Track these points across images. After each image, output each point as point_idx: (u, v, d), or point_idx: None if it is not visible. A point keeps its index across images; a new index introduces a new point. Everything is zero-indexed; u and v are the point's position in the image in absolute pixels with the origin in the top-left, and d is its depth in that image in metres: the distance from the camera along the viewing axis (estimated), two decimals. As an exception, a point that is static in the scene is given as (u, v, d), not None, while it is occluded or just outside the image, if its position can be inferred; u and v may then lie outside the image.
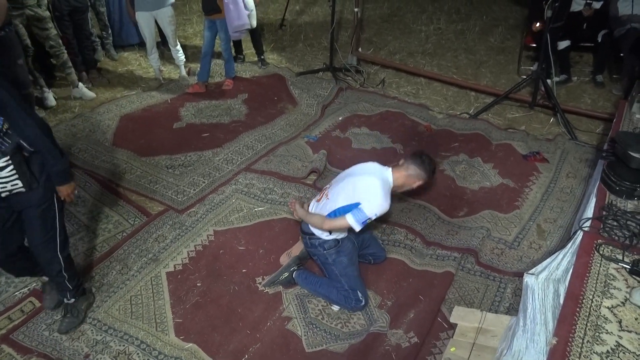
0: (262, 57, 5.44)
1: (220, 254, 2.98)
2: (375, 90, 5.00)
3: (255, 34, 5.28)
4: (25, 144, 2.08)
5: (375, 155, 3.86)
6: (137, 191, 3.50)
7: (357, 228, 2.42)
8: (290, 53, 5.89)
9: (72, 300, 2.54)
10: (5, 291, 2.73)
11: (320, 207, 2.61)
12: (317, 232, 2.59)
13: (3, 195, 2.09)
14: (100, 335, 2.49)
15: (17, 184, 2.08)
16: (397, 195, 3.42)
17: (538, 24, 4.50)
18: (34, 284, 2.77)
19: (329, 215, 2.53)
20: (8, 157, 2.02)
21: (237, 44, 5.56)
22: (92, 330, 2.51)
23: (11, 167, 2.04)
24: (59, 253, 2.35)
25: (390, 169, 2.56)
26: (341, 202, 2.49)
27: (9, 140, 2.01)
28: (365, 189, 2.45)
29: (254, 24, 4.89)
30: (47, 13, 4.31)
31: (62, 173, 2.19)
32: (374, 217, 2.42)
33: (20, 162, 2.06)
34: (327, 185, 2.69)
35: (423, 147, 4.00)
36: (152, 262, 2.91)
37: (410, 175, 2.53)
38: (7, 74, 2.17)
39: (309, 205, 2.69)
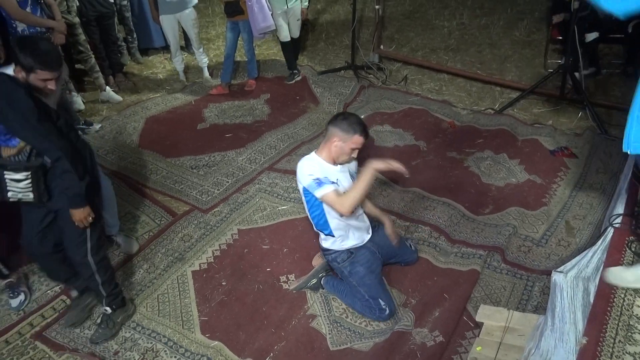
0: (296, 70, 5.16)
1: (244, 253, 3.01)
2: (397, 87, 4.96)
3: (297, 43, 5.21)
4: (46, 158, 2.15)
5: (398, 152, 3.83)
6: (163, 191, 3.57)
7: (326, 189, 2.32)
8: (312, 52, 5.89)
9: (109, 310, 2.50)
10: (38, 289, 2.82)
11: None
12: (327, 244, 2.60)
13: (11, 200, 2.17)
14: (129, 332, 2.55)
15: (28, 195, 2.15)
16: (420, 194, 3.39)
17: (557, 15, 4.41)
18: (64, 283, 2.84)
19: (317, 228, 2.58)
20: (29, 173, 2.11)
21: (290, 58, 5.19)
22: (121, 328, 2.57)
23: (29, 181, 2.12)
24: (89, 257, 2.35)
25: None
26: (307, 210, 2.56)
27: (35, 159, 2.13)
28: (297, 179, 2.46)
29: (297, 33, 4.94)
30: (77, 19, 4.42)
31: (75, 197, 2.19)
32: (313, 177, 2.34)
33: (39, 179, 2.14)
34: None
35: (447, 143, 3.95)
36: (178, 261, 2.96)
37: (334, 140, 2.39)
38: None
39: None
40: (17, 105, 2.00)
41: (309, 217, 2.58)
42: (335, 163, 2.47)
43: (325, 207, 2.46)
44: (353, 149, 2.41)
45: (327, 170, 2.42)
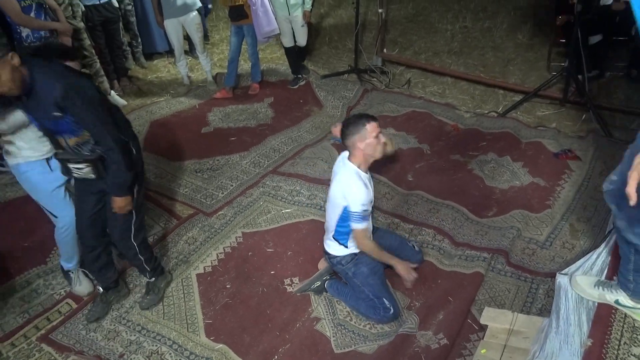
0: (300, 75, 5.23)
1: (248, 256, 3.02)
2: (400, 90, 4.97)
3: (303, 52, 5.17)
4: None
5: (401, 155, 3.84)
6: (167, 195, 3.58)
7: (364, 225, 2.47)
8: (315, 56, 5.92)
9: (153, 279, 2.74)
10: (43, 293, 2.84)
11: (325, 228, 2.69)
12: (335, 252, 2.62)
13: (75, 176, 2.34)
14: (134, 335, 2.56)
15: (90, 175, 2.31)
16: (424, 197, 3.40)
17: (560, 17, 4.41)
18: (70, 286, 2.86)
19: (335, 236, 2.61)
20: (89, 163, 2.26)
21: (294, 63, 5.24)
22: (126, 331, 2.59)
23: (90, 168, 2.28)
24: (132, 239, 2.52)
25: (346, 156, 2.55)
26: (334, 218, 2.56)
27: (97, 150, 2.26)
28: (342, 192, 2.48)
29: (303, 42, 4.96)
30: (82, 24, 4.46)
31: (120, 185, 2.31)
32: (365, 208, 2.44)
33: (98, 165, 2.28)
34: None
35: (450, 146, 3.95)
36: (183, 264, 2.97)
37: (359, 145, 2.43)
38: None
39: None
40: (85, 93, 2.11)
41: (332, 224, 2.59)
42: (367, 170, 2.54)
43: None
44: (376, 137, 2.44)
45: (368, 184, 2.51)
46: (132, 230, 2.50)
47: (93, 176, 2.30)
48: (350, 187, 2.45)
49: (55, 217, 2.60)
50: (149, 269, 2.69)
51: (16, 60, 1.98)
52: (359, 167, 2.48)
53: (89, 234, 2.52)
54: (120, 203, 2.34)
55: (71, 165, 2.28)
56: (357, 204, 2.42)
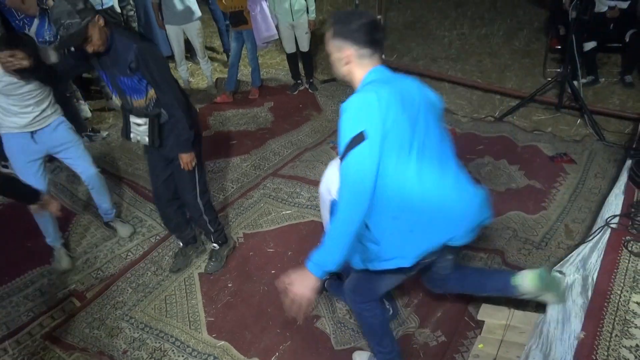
0: (312, 80, 5.32)
1: (250, 256, 3.06)
2: (399, 95, 5.03)
3: (307, 57, 5.22)
4: (163, 112, 2.48)
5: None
6: (170, 197, 3.63)
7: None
8: (315, 61, 5.99)
9: (217, 246, 2.97)
10: (48, 292, 2.88)
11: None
12: None
13: (133, 141, 2.61)
14: (137, 332, 2.60)
15: (145, 139, 2.53)
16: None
17: (562, 29, 4.50)
18: (74, 285, 2.91)
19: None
20: (147, 119, 2.47)
21: (295, 69, 5.31)
22: (129, 328, 2.63)
23: (147, 126, 2.48)
24: (198, 199, 2.75)
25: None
26: (326, 216, 2.44)
27: (154, 107, 2.45)
28: (327, 187, 2.34)
29: (306, 47, 5.01)
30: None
31: (184, 142, 2.51)
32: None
33: (155, 125, 2.48)
34: None
35: (448, 150, 4.01)
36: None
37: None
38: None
39: None
40: (156, 55, 2.35)
41: (325, 223, 2.62)
42: None
43: None
44: None
45: None
46: (198, 190, 2.72)
47: (146, 139, 2.51)
48: (333, 180, 2.38)
49: None
50: (212, 230, 2.91)
51: (102, 22, 2.25)
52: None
53: (163, 197, 2.80)
54: (186, 159, 2.55)
55: (132, 119, 2.51)
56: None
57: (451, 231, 1.73)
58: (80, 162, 3.00)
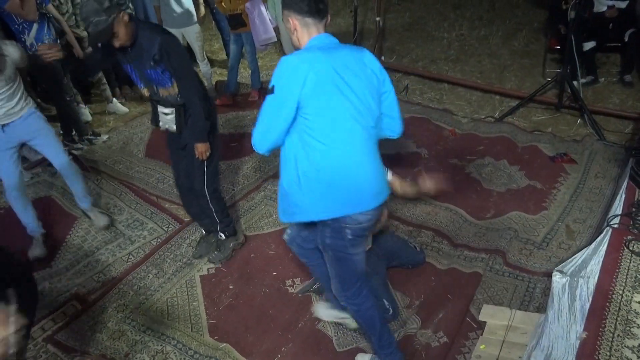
0: None
1: (251, 258, 3.07)
2: (399, 97, 4.99)
3: None
4: None
5: (400, 160, 3.90)
6: (170, 199, 3.63)
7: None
8: (314, 64, 5.99)
9: (223, 237, 3.01)
10: (49, 295, 2.88)
11: None
12: None
13: (162, 129, 2.75)
14: (139, 335, 2.60)
15: (172, 127, 2.68)
16: (423, 199, 3.46)
17: (563, 28, 4.50)
18: (75, 289, 2.91)
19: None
20: (174, 109, 2.62)
21: None
22: (131, 331, 2.63)
23: (173, 115, 2.64)
24: (205, 187, 2.81)
25: None
26: None
27: (181, 98, 2.59)
28: None
29: None
30: (85, 33, 4.53)
31: (200, 131, 2.63)
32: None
33: (181, 114, 2.63)
34: None
35: (448, 151, 4.02)
36: (187, 266, 3.02)
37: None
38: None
39: None
40: (178, 48, 2.52)
41: None
42: None
43: None
44: None
45: None
46: (205, 178, 2.79)
47: (174, 127, 2.67)
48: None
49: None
50: (218, 220, 2.95)
51: (126, 18, 2.35)
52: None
53: (184, 186, 2.94)
54: (201, 148, 2.66)
55: (160, 109, 2.66)
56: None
57: (354, 200, 1.90)
58: (51, 150, 3.10)
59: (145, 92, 2.67)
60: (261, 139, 1.91)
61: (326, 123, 1.82)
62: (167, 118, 2.66)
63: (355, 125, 1.86)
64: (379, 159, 1.99)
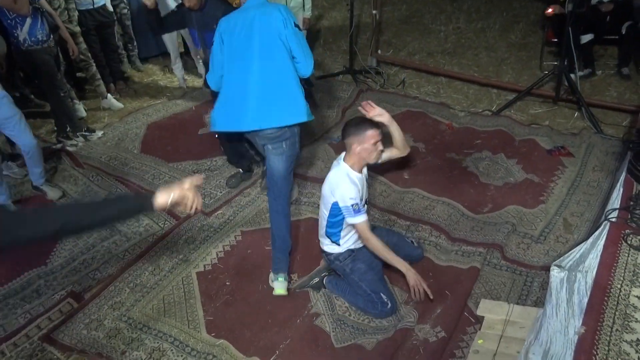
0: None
1: (248, 254, 3.05)
2: (395, 90, 5.03)
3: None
4: None
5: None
6: (166, 196, 3.60)
7: (362, 218, 2.47)
8: (310, 58, 5.96)
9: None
10: (44, 293, 2.85)
11: (319, 225, 2.74)
12: (330, 249, 2.67)
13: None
14: (136, 333, 2.58)
15: None
16: (420, 194, 3.45)
17: (550, 9, 4.47)
18: (71, 287, 2.88)
19: (327, 232, 2.64)
20: None
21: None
22: (127, 328, 2.61)
23: None
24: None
25: (343, 155, 2.58)
26: (325, 214, 2.60)
27: None
28: (330, 189, 2.53)
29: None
30: (78, 28, 4.49)
31: None
32: (354, 201, 2.43)
33: None
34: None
35: (445, 144, 4.01)
36: (183, 263, 3.00)
37: (355, 147, 2.46)
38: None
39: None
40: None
41: (323, 221, 2.64)
42: (361, 170, 2.55)
43: (345, 224, 2.56)
44: (374, 144, 2.48)
45: (357, 183, 2.50)
46: None
47: None
48: (337, 184, 2.49)
49: None
50: (258, 159, 3.62)
51: None
52: (352, 166, 2.51)
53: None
54: None
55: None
56: (345, 199, 2.45)
57: (240, 119, 2.67)
58: (23, 135, 3.28)
59: (201, 53, 3.34)
60: (210, 73, 2.80)
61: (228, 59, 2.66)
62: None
63: (245, 62, 2.61)
64: (275, 91, 2.63)
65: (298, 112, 2.67)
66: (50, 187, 3.61)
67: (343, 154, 2.60)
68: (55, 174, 3.86)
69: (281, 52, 2.60)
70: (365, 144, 2.46)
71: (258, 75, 2.59)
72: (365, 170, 2.62)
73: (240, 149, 3.53)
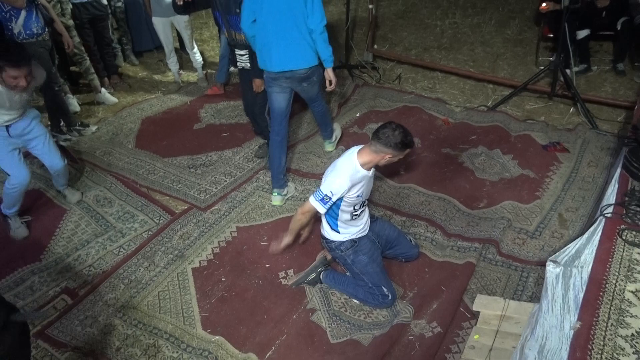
0: None
1: (243, 250, 3.04)
2: (391, 86, 5.02)
3: None
4: None
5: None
6: (161, 191, 3.59)
7: (320, 209, 2.44)
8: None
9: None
10: (39, 289, 2.84)
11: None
12: (330, 236, 2.63)
13: (239, 67, 3.53)
14: (131, 329, 2.57)
15: (247, 65, 3.44)
16: (415, 189, 3.44)
17: (544, 4, 4.46)
18: (65, 283, 2.87)
19: (326, 216, 2.60)
20: (247, 50, 3.35)
21: None
22: (122, 325, 2.60)
23: (247, 56, 3.40)
24: (265, 113, 3.56)
25: (359, 147, 2.50)
26: None
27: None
28: (329, 172, 2.49)
29: None
30: (71, 22, 4.45)
31: (259, 70, 3.28)
32: (331, 196, 2.38)
33: (252, 54, 3.29)
34: None
35: (441, 140, 4.00)
36: (178, 259, 2.99)
37: (374, 151, 2.40)
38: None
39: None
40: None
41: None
42: (370, 169, 2.49)
43: (340, 214, 2.53)
44: (401, 158, 2.49)
45: (361, 180, 2.45)
46: (266, 107, 3.48)
47: (248, 65, 3.41)
48: (334, 173, 2.43)
49: (9, 175, 3.06)
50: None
51: None
52: (363, 165, 2.43)
53: (249, 109, 3.81)
54: (259, 83, 3.43)
55: (237, 52, 3.43)
56: (327, 187, 2.40)
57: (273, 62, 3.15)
58: (50, 155, 3.24)
59: (226, 35, 3.44)
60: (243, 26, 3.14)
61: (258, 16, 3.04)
62: (242, 58, 3.41)
63: (269, 18, 3.02)
64: (295, 43, 3.09)
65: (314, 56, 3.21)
66: (71, 190, 3.54)
67: (359, 147, 2.50)
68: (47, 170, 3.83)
69: (300, 8, 3.03)
70: (383, 156, 2.40)
71: (277, 25, 3.04)
72: (373, 169, 2.55)
73: (262, 119, 3.77)
